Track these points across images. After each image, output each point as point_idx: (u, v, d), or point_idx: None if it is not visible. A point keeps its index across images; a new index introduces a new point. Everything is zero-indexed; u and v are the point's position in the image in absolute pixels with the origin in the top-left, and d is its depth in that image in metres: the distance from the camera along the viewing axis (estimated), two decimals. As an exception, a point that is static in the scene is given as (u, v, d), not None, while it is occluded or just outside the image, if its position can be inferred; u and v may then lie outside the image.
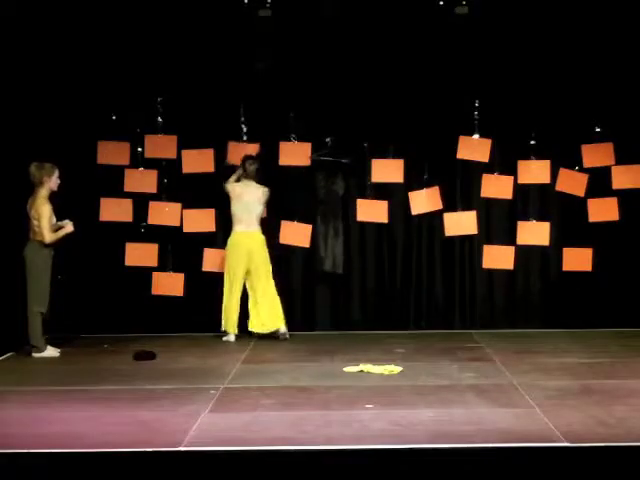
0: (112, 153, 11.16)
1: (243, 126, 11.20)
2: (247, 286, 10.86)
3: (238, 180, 10.89)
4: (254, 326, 10.83)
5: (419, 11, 10.93)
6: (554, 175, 11.24)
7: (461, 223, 11.33)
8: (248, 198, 10.77)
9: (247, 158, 10.85)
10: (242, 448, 6.43)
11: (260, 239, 10.80)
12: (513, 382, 8.45)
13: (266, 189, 10.82)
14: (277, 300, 10.79)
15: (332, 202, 11.53)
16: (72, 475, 6.27)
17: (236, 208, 10.77)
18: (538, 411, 7.35)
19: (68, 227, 9.93)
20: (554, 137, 11.13)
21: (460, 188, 11.43)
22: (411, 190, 11.34)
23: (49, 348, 10.00)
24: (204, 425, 7.09)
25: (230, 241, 10.80)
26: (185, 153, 11.25)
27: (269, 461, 6.31)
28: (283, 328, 10.81)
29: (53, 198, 10.15)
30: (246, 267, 10.76)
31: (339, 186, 11.50)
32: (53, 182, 9.92)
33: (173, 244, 11.31)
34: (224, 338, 10.77)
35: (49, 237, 9.81)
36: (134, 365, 9.52)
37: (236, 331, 10.77)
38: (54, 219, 9.96)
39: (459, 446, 6.42)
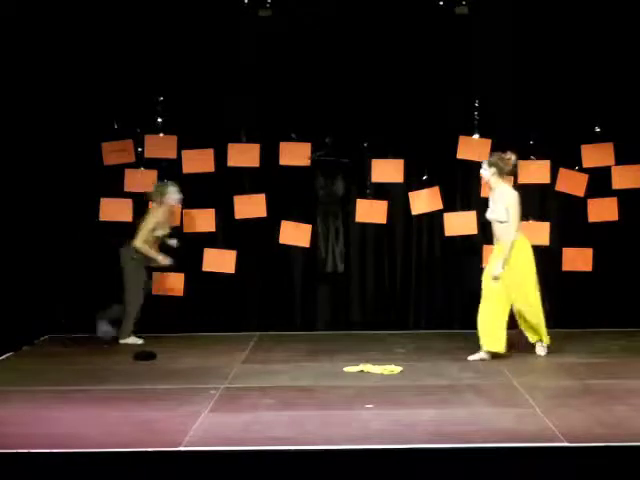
0: (116, 153, 11.15)
1: (242, 126, 11.22)
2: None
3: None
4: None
5: (419, 11, 10.94)
6: (554, 175, 11.23)
7: (461, 223, 11.32)
8: None
9: (502, 154, 9.61)
10: (242, 448, 6.44)
11: None
12: (513, 382, 8.45)
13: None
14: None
15: (332, 202, 11.53)
16: (72, 475, 6.28)
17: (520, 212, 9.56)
18: (538, 411, 7.36)
19: (163, 260, 10.47)
20: (554, 137, 11.12)
21: (460, 188, 11.43)
22: (411, 190, 11.34)
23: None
24: (204, 425, 7.09)
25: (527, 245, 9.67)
26: (185, 153, 11.24)
27: (269, 461, 6.32)
28: None
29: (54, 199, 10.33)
30: None
31: (339, 186, 11.49)
32: (169, 199, 10.57)
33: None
34: (544, 352, 9.74)
35: (140, 243, 10.36)
36: (134, 365, 9.52)
37: None
38: (160, 232, 10.48)
39: (459, 446, 6.43)
